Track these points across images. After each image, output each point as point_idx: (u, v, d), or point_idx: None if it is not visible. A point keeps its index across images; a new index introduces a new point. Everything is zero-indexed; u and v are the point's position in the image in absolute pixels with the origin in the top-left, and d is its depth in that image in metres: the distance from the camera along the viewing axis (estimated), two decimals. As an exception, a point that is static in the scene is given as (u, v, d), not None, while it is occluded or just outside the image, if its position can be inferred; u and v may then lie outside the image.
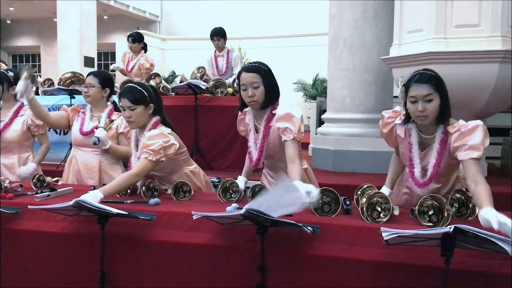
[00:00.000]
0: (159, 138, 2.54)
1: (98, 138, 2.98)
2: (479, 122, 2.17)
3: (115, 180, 2.52)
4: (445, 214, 1.97)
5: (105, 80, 3.23)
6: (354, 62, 5.15)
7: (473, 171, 2.08)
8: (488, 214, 1.80)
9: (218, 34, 5.98)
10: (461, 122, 2.21)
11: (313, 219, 2.04)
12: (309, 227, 1.87)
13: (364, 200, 2.07)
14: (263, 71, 2.51)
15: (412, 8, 4.05)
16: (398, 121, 2.36)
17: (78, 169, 3.22)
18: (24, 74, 2.97)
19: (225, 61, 5.98)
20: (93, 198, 2.23)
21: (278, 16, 14.77)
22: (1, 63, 6.91)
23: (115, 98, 3.36)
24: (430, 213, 2.01)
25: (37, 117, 3.26)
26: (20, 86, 2.97)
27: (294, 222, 1.87)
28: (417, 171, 2.27)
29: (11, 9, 15.89)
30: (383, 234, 1.65)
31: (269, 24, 14.64)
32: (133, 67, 6.34)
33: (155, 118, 2.72)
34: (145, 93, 2.68)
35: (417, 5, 3.98)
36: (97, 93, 3.19)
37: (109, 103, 3.29)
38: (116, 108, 3.26)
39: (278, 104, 2.58)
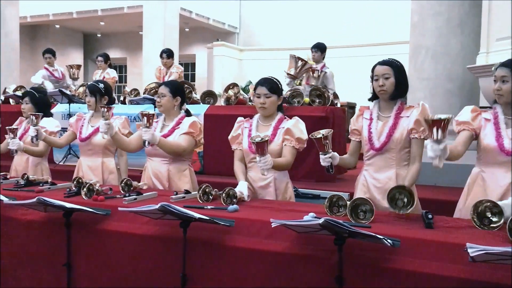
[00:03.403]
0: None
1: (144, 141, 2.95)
2: None
3: None
4: None
5: (176, 89, 3.30)
6: (436, 72, 4.96)
7: None
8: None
9: (316, 47, 6.30)
10: None
11: (393, 232, 2.00)
12: (389, 240, 1.83)
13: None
14: (395, 65, 2.69)
15: (501, 15, 3.85)
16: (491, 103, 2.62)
17: (150, 178, 3.29)
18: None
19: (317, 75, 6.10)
20: None
21: (357, 25, 14.59)
22: (111, 70, 7.52)
23: (188, 107, 3.47)
24: None
25: (121, 148, 3.47)
26: (103, 127, 3.06)
27: (373, 234, 1.85)
28: (506, 142, 2.49)
29: (102, 23, 17.03)
30: (469, 251, 1.58)
31: (348, 33, 14.49)
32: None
33: (281, 115, 2.99)
34: (279, 85, 2.98)
35: (507, 11, 3.78)
36: (168, 102, 3.26)
37: (182, 111, 3.34)
38: (187, 116, 3.31)
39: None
